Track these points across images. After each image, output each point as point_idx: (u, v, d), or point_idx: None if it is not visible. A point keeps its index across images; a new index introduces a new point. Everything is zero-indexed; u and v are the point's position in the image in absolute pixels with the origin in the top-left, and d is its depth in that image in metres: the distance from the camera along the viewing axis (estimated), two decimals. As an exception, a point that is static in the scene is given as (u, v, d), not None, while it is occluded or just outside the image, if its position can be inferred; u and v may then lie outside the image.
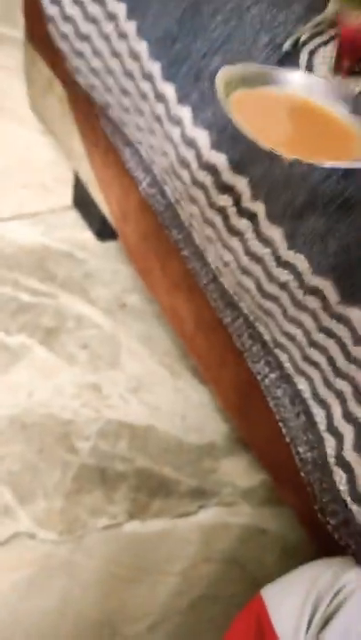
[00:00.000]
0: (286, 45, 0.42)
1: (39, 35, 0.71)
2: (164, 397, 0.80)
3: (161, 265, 0.71)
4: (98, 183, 0.78)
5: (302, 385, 0.46)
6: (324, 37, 0.40)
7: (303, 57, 0.41)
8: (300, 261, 0.42)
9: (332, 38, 0.40)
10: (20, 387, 0.77)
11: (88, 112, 0.65)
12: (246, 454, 0.75)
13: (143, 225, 0.70)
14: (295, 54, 0.41)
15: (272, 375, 0.49)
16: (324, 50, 0.40)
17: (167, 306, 0.74)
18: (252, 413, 0.61)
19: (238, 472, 0.75)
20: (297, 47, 0.41)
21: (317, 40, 0.41)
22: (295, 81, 0.31)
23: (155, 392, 0.80)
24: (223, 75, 0.31)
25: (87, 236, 0.93)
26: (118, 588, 0.65)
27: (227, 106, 0.29)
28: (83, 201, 0.92)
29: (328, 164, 0.30)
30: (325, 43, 0.40)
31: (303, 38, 0.41)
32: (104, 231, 0.90)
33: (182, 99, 0.48)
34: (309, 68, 0.40)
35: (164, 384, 0.80)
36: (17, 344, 0.81)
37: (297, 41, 0.41)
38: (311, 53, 0.40)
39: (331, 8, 0.40)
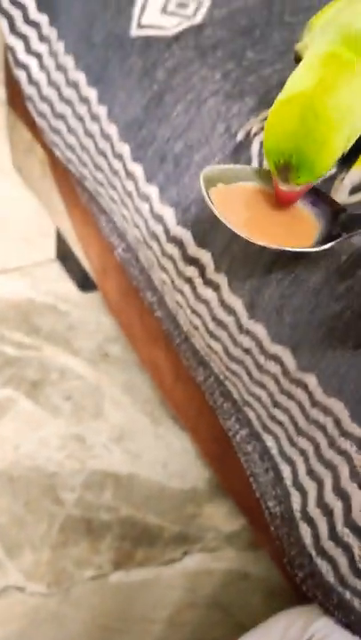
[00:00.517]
0: (240, 135, 0.46)
1: (20, 101, 0.75)
2: (147, 445, 0.82)
3: (140, 319, 0.74)
4: (78, 240, 0.82)
5: (270, 442, 0.49)
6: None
7: (255, 146, 0.45)
8: (260, 330, 0.45)
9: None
10: (6, 440, 0.79)
11: (67, 175, 0.69)
12: (228, 498, 0.78)
13: (123, 281, 0.73)
14: (248, 144, 0.46)
15: (242, 432, 0.52)
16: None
17: (147, 358, 0.77)
18: (229, 462, 0.64)
19: (221, 516, 0.77)
20: (249, 137, 0.45)
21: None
22: (265, 177, 0.35)
23: (137, 440, 0.83)
24: (205, 172, 0.35)
25: (70, 287, 0.97)
26: (106, 639, 0.67)
27: (209, 199, 0.34)
28: (65, 254, 0.95)
29: (284, 248, 0.34)
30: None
31: (255, 130, 0.45)
32: (86, 283, 0.94)
33: (150, 178, 0.52)
34: (260, 156, 0.44)
35: (145, 432, 0.83)
36: (3, 397, 0.83)
37: (249, 131, 0.46)
38: (262, 144, 0.44)
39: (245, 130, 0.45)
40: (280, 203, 0.34)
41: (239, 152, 0.46)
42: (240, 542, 0.75)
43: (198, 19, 0.54)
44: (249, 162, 0.46)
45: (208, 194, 0.34)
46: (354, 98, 0.31)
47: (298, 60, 0.39)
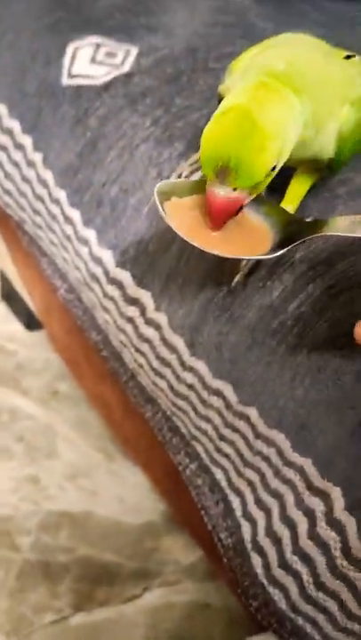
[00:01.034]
0: (172, 179, 0.48)
1: None
2: (101, 482, 0.82)
3: (86, 357, 0.75)
4: (22, 281, 0.82)
5: (219, 475, 0.50)
6: (201, 173, 0.46)
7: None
8: (202, 367, 0.46)
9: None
10: None
11: (8, 218, 0.70)
12: (185, 530, 0.78)
13: (67, 320, 0.74)
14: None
15: (192, 466, 0.52)
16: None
17: (95, 395, 0.78)
18: (183, 495, 0.65)
19: (179, 548, 0.78)
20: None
21: (196, 174, 0.47)
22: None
23: (91, 477, 0.82)
24: (159, 186, 0.36)
25: (16, 327, 0.96)
26: None
27: (163, 211, 0.35)
28: (10, 294, 0.95)
29: (247, 257, 0.36)
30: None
31: (185, 173, 0.47)
32: (32, 322, 0.94)
33: (87, 222, 0.53)
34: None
35: (99, 468, 0.83)
36: None
37: (180, 175, 0.47)
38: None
39: (193, 158, 0.47)
40: (213, 214, 0.34)
41: (172, 196, 0.48)
42: (199, 573, 0.76)
43: (126, 67, 0.56)
44: (181, 205, 0.47)
45: (162, 207, 0.35)
46: (283, 119, 0.33)
47: (221, 101, 0.41)
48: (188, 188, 0.37)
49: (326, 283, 0.40)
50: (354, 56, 0.43)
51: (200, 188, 0.36)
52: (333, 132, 0.38)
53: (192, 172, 0.47)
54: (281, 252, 0.35)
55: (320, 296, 0.40)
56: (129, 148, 0.51)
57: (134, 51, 0.57)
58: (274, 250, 0.35)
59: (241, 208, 0.34)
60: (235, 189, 0.33)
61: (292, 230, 0.35)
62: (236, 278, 0.44)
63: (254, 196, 0.34)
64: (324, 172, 0.42)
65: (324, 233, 0.34)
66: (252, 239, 0.36)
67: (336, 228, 0.34)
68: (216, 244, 0.35)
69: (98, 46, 0.58)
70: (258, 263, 0.43)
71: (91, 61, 0.57)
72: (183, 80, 0.54)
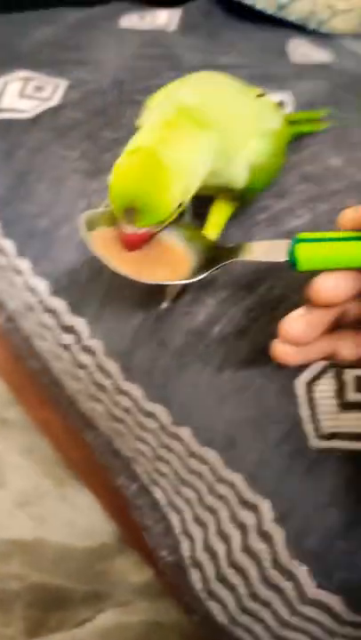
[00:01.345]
0: (100, 209, 0.50)
1: None
2: (52, 507, 0.82)
3: (31, 383, 0.75)
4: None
5: (158, 494, 0.51)
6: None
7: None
8: (136, 390, 0.48)
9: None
10: None
11: None
12: (136, 550, 0.79)
13: (11, 347, 0.74)
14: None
15: (133, 487, 0.54)
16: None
17: (41, 420, 0.78)
18: (130, 516, 0.66)
19: (130, 569, 0.78)
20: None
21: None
22: None
23: (42, 504, 0.82)
24: (86, 215, 0.37)
25: None
26: None
27: (88, 240, 0.36)
28: None
29: (160, 282, 0.37)
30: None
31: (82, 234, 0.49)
32: (-23, 350, 0.93)
33: (21, 253, 0.54)
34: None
35: (49, 494, 0.83)
36: None
37: (107, 205, 0.49)
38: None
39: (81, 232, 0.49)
40: (125, 246, 0.36)
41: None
42: (151, 592, 0.76)
43: (55, 101, 0.57)
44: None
45: (89, 236, 0.36)
46: (189, 156, 0.35)
47: None
48: (113, 218, 0.38)
49: (246, 306, 0.43)
50: (265, 94, 0.45)
51: None
52: (245, 162, 0.41)
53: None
54: (201, 276, 0.36)
55: (241, 319, 0.42)
56: (58, 180, 0.52)
57: (63, 84, 0.59)
58: (195, 274, 0.36)
59: (151, 237, 0.36)
60: (141, 226, 0.34)
61: (213, 255, 0.37)
62: (165, 304, 0.46)
63: (163, 227, 0.36)
64: (241, 200, 0.44)
65: (242, 258, 0.36)
66: (175, 265, 0.37)
67: (254, 253, 0.35)
68: (142, 271, 0.36)
69: (27, 80, 0.59)
70: (184, 288, 0.45)
71: (20, 95, 0.58)
72: (110, 113, 0.56)
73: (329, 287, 0.29)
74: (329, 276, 0.29)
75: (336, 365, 0.39)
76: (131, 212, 0.33)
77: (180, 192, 0.34)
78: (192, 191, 0.36)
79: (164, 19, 0.74)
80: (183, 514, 0.49)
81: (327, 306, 0.30)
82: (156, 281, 0.36)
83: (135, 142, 0.35)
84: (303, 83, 0.68)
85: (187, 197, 0.35)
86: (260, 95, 0.45)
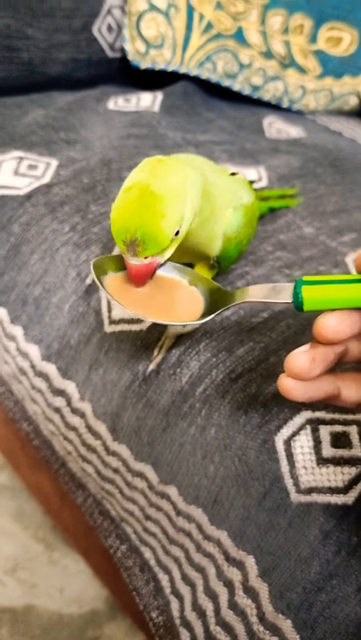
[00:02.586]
0: (89, 279, 0.53)
1: None
2: (42, 573, 0.82)
3: (22, 446, 0.76)
4: None
5: (148, 554, 0.52)
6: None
7: (104, 298, 0.51)
8: (124, 450, 0.50)
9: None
10: None
11: None
12: (127, 615, 0.78)
13: (2, 411, 0.76)
14: (96, 286, 0.52)
15: (122, 547, 0.54)
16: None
17: (32, 484, 0.79)
18: (122, 580, 0.66)
19: (122, 634, 0.77)
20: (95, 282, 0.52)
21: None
22: None
23: (32, 569, 0.82)
24: (95, 262, 0.39)
25: None
26: None
27: (101, 285, 0.38)
28: None
29: (180, 323, 0.38)
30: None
31: (89, 281, 0.52)
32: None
33: (14, 320, 0.57)
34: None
35: (40, 559, 0.83)
36: None
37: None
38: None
39: (90, 276, 0.52)
40: (134, 280, 0.37)
41: (90, 293, 0.53)
42: (143, 658, 0.75)
43: (47, 179, 0.61)
44: (98, 303, 0.52)
45: (101, 281, 0.38)
46: (179, 186, 0.37)
47: None
48: (121, 263, 0.39)
49: (227, 368, 0.45)
50: (237, 174, 0.50)
51: None
52: (220, 232, 0.44)
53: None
54: (211, 317, 0.38)
55: (223, 380, 0.45)
56: (50, 252, 0.56)
57: (54, 163, 0.63)
58: (203, 317, 0.38)
59: (156, 268, 0.38)
60: (146, 257, 0.36)
61: (219, 299, 0.39)
62: (151, 366, 0.48)
63: (167, 257, 0.38)
64: (218, 268, 0.47)
65: (244, 300, 0.37)
66: (184, 308, 0.39)
67: (253, 295, 0.37)
68: (155, 313, 0.38)
69: (21, 160, 0.64)
70: (170, 350, 0.48)
71: (14, 173, 0.62)
72: (98, 189, 0.60)
73: (332, 325, 0.31)
74: (332, 315, 0.32)
75: (312, 422, 0.41)
76: (134, 244, 0.35)
77: (175, 219, 0.36)
78: (188, 219, 0.38)
79: (148, 101, 0.79)
80: (172, 573, 0.50)
81: (330, 343, 0.32)
82: (166, 322, 0.37)
83: (129, 181, 0.37)
84: (278, 157, 0.74)
85: (184, 225, 0.38)
86: (233, 174, 0.49)
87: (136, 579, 0.53)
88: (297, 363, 0.32)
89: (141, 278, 0.37)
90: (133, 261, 0.36)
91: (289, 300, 0.34)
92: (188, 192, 0.38)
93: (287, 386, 0.32)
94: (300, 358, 0.32)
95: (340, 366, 0.34)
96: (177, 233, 0.37)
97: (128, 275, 0.38)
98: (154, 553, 0.51)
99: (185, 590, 0.48)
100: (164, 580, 0.50)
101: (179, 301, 0.39)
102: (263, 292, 0.36)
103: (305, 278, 0.33)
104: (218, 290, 0.39)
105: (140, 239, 0.35)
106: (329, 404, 0.34)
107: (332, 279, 0.33)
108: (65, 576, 0.81)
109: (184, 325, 0.40)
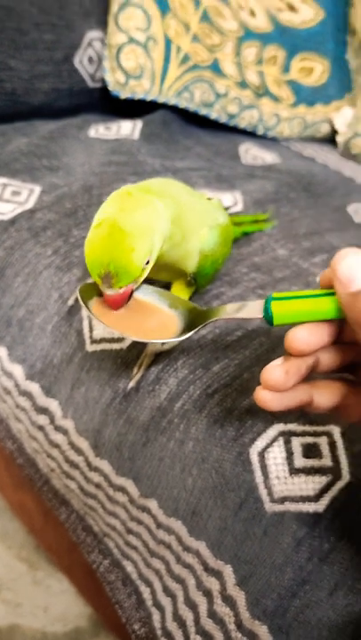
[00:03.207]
0: (71, 301, 0.55)
1: None
2: (26, 592, 0.82)
3: (5, 466, 0.77)
4: None
5: (130, 567, 0.53)
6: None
7: (84, 309, 0.53)
8: (106, 466, 0.51)
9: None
10: None
11: None
12: (111, 632, 0.79)
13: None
14: (78, 307, 0.54)
15: (105, 562, 0.56)
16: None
17: (16, 503, 0.79)
18: (105, 596, 0.67)
19: (106, 653, 0.78)
20: (78, 302, 0.54)
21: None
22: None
23: (16, 589, 0.82)
24: (81, 287, 0.41)
25: None
26: None
27: (87, 307, 0.40)
28: None
29: (160, 341, 0.40)
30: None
31: (71, 302, 0.54)
32: None
33: (-2, 341, 0.59)
34: (90, 318, 0.53)
35: (23, 579, 0.83)
36: None
37: (77, 297, 0.54)
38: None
39: (74, 299, 0.54)
40: (112, 307, 0.40)
41: (72, 314, 0.55)
42: None
43: (30, 204, 0.64)
44: (80, 323, 0.54)
45: (87, 304, 0.40)
46: (146, 218, 0.39)
47: None
48: None
49: (204, 384, 0.47)
50: (212, 198, 0.52)
51: None
52: (196, 249, 0.46)
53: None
54: (189, 334, 0.40)
55: (199, 396, 0.47)
56: (33, 275, 0.58)
57: (37, 189, 0.66)
58: (181, 334, 0.41)
59: (131, 295, 0.40)
60: (120, 287, 0.39)
61: (195, 317, 0.41)
62: (131, 384, 0.50)
63: (140, 282, 0.40)
64: (195, 285, 0.50)
65: (218, 317, 0.40)
66: (165, 327, 0.41)
67: (227, 312, 0.39)
68: (137, 332, 0.40)
69: (4, 186, 0.66)
70: (149, 368, 0.50)
71: (-2, 200, 0.64)
72: (80, 214, 0.62)
73: (302, 337, 0.33)
74: (301, 328, 0.34)
75: (285, 434, 0.43)
76: (108, 276, 0.38)
77: (144, 251, 0.39)
78: (157, 248, 0.40)
79: (128, 129, 0.82)
80: (153, 585, 0.51)
81: (301, 354, 0.34)
82: (146, 340, 0.40)
83: (98, 215, 0.39)
84: (253, 182, 0.77)
85: (153, 254, 0.40)
86: (209, 199, 0.52)
87: (119, 592, 0.54)
88: (272, 376, 0.34)
89: (118, 305, 0.40)
90: (109, 292, 0.39)
91: (260, 315, 0.36)
92: (156, 224, 0.40)
93: (264, 398, 0.34)
94: (275, 371, 0.34)
95: (312, 376, 0.36)
96: (147, 262, 0.40)
97: (105, 302, 0.40)
98: (135, 566, 0.53)
99: (166, 602, 0.50)
100: (145, 592, 0.52)
101: (157, 321, 0.41)
102: (236, 310, 0.39)
103: (274, 295, 0.35)
104: (194, 309, 0.42)
105: (114, 272, 0.38)
106: (303, 410, 0.36)
107: (299, 294, 0.35)
108: (49, 595, 0.82)
109: (163, 343, 0.42)
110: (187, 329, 0.41)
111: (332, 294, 0.34)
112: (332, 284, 0.33)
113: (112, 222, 0.38)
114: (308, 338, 0.34)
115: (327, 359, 0.36)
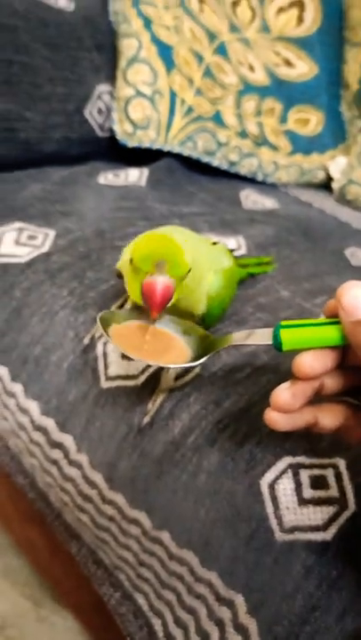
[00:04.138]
0: (86, 340, 0.58)
1: None
2: (30, 630, 0.82)
3: (12, 501, 0.79)
4: None
5: (141, 600, 0.55)
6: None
7: (99, 348, 0.56)
8: (120, 499, 0.53)
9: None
10: None
11: None
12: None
13: (-6, 467, 0.78)
14: (93, 346, 0.57)
15: (116, 595, 0.57)
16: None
17: (22, 538, 0.80)
18: (112, 632, 0.68)
19: None
20: (94, 340, 0.57)
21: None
22: (144, 316, 0.45)
23: (20, 626, 0.82)
24: (101, 315, 0.44)
25: None
26: None
27: (106, 334, 0.43)
28: None
29: (168, 365, 0.43)
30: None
31: (98, 334, 0.57)
32: None
33: (14, 377, 0.61)
34: (104, 356, 0.56)
35: (27, 616, 0.83)
36: None
37: (93, 336, 0.57)
38: (104, 344, 0.56)
39: (95, 329, 0.57)
40: (156, 298, 0.41)
41: (87, 352, 0.57)
42: None
43: (46, 248, 0.67)
44: (95, 360, 0.57)
45: (107, 331, 0.43)
46: (184, 245, 0.43)
47: (119, 275, 0.53)
48: (122, 316, 0.45)
49: (216, 418, 0.50)
50: (218, 242, 0.56)
51: (132, 315, 0.45)
52: (204, 292, 0.50)
53: (102, 334, 0.57)
54: (202, 360, 0.43)
55: (211, 430, 0.49)
56: (50, 314, 0.61)
57: (52, 233, 0.69)
58: (195, 360, 0.43)
59: (171, 298, 0.43)
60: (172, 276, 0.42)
61: (208, 344, 0.44)
62: (146, 419, 0.53)
63: (179, 288, 0.43)
64: (203, 326, 0.53)
65: (230, 344, 0.42)
66: (179, 353, 0.44)
67: (238, 339, 0.42)
68: (153, 357, 0.43)
69: (21, 230, 0.69)
70: (162, 404, 0.52)
71: (15, 243, 0.68)
72: (93, 257, 0.66)
73: (308, 362, 0.36)
74: (308, 354, 0.36)
75: (293, 466, 0.46)
76: (162, 264, 0.41)
77: (189, 260, 0.43)
78: (193, 272, 0.44)
79: (135, 176, 0.87)
80: (165, 617, 0.53)
81: (307, 378, 0.37)
82: (165, 364, 0.43)
83: (142, 236, 0.44)
84: (254, 227, 0.81)
85: (192, 272, 0.44)
86: (214, 243, 0.55)
87: (130, 625, 0.56)
88: (280, 398, 0.37)
89: (165, 296, 0.42)
90: (160, 278, 0.41)
91: (269, 341, 0.39)
92: (189, 254, 0.44)
93: (273, 418, 0.37)
94: (283, 394, 0.37)
95: (317, 398, 0.39)
96: (189, 270, 0.43)
97: (149, 296, 0.42)
98: (147, 598, 0.54)
99: (177, 633, 0.51)
100: (157, 624, 0.53)
101: (171, 347, 0.44)
102: (245, 336, 0.41)
103: (283, 322, 0.38)
104: (207, 336, 0.45)
105: (168, 260, 0.41)
106: (309, 431, 0.39)
107: (306, 322, 0.38)
108: (53, 633, 0.82)
109: (180, 367, 0.45)
110: (199, 356, 0.43)
111: (337, 322, 0.37)
112: (337, 313, 0.37)
113: (161, 234, 0.43)
114: (314, 363, 0.36)
115: (332, 383, 0.38)
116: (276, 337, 0.38)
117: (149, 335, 0.44)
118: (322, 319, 0.38)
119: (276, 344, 0.38)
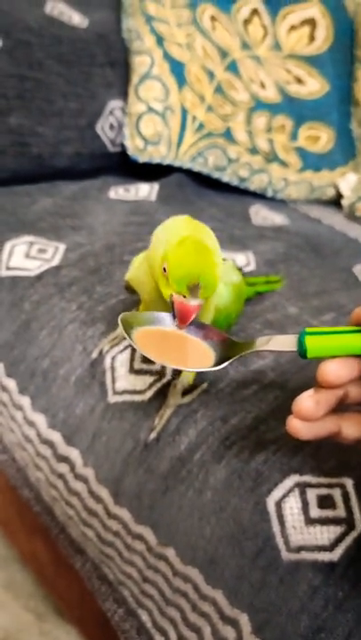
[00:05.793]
0: (94, 353, 0.58)
1: None
2: (33, 644, 0.82)
3: (19, 514, 0.79)
4: None
5: (144, 616, 0.54)
6: (120, 347, 0.56)
7: (107, 361, 0.56)
8: (125, 514, 0.53)
9: (125, 347, 0.56)
10: None
11: None
12: None
13: (0, 480, 0.79)
14: (101, 359, 0.57)
15: (120, 611, 0.57)
16: (121, 355, 0.56)
17: (27, 551, 0.80)
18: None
19: None
20: (102, 354, 0.57)
21: (115, 349, 0.57)
22: (167, 320, 0.44)
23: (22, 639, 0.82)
24: (123, 317, 0.43)
25: None
26: None
27: (129, 337, 0.42)
28: None
29: (192, 369, 0.42)
30: (121, 351, 0.56)
31: (106, 348, 0.57)
32: None
33: (22, 390, 0.61)
34: (112, 370, 0.56)
35: (30, 630, 0.83)
36: None
37: (101, 350, 0.57)
38: (112, 358, 0.56)
39: (118, 330, 0.57)
40: (186, 318, 0.42)
41: (95, 366, 0.58)
42: None
43: (56, 261, 0.67)
44: (103, 375, 0.57)
45: (130, 334, 0.43)
46: (215, 244, 0.43)
47: (127, 287, 0.53)
48: (144, 319, 0.44)
49: (222, 435, 0.50)
50: (226, 260, 0.56)
51: (152, 317, 0.45)
52: (213, 302, 0.50)
53: (112, 347, 0.57)
54: (225, 364, 0.42)
55: (218, 447, 0.49)
56: (58, 328, 0.61)
57: (62, 247, 0.70)
58: (217, 364, 0.42)
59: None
60: (204, 298, 0.42)
61: (227, 349, 0.43)
62: (153, 434, 0.53)
63: (206, 304, 0.43)
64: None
65: (252, 350, 0.42)
66: (202, 357, 0.43)
67: (261, 345, 0.41)
68: (177, 362, 0.42)
69: (31, 244, 0.70)
70: (169, 419, 0.52)
71: (25, 256, 0.68)
72: (103, 272, 0.66)
73: (333, 370, 0.36)
74: (333, 362, 0.36)
75: (300, 485, 0.46)
76: (196, 287, 0.41)
77: (220, 269, 0.42)
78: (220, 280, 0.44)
79: (146, 191, 0.87)
80: (168, 634, 0.52)
81: (331, 386, 0.36)
82: (187, 368, 0.42)
83: (176, 235, 0.42)
84: (264, 243, 0.81)
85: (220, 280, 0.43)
86: (223, 259, 0.56)
87: (133, 642, 0.55)
88: (303, 405, 0.36)
89: (191, 316, 0.42)
90: (193, 302, 0.41)
91: (293, 348, 0.38)
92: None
93: (295, 426, 0.36)
94: (306, 402, 0.36)
95: (341, 408, 0.38)
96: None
97: (180, 317, 0.42)
98: (150, 615, 0.54)
99: (181, 651, 0.50)
100: (160, 641, 0.53)
101: (194, 352, 0.43)
102: (272, 342, 0.41)
103: (308, 329, 0.38)
104: (229, 340, 0.44)
105: (203, 284, 0.41)
106: (331, 440, 0.38)
107: (331, 330, 0.37)
108: (56, 647, 0.81)
109: (202, 371, 0.45)
110: (221, 360, 0.42)
111: None
112: None
113: (196, 240, 0.42)
114: (339, 371, 0.36)
115: (356, 392, 0.38)
116: (301, 344, 0.37)
117: (173, 340, 0.44)
118: (348, 327, 0.37)
119: (301, 351, 0.37)
